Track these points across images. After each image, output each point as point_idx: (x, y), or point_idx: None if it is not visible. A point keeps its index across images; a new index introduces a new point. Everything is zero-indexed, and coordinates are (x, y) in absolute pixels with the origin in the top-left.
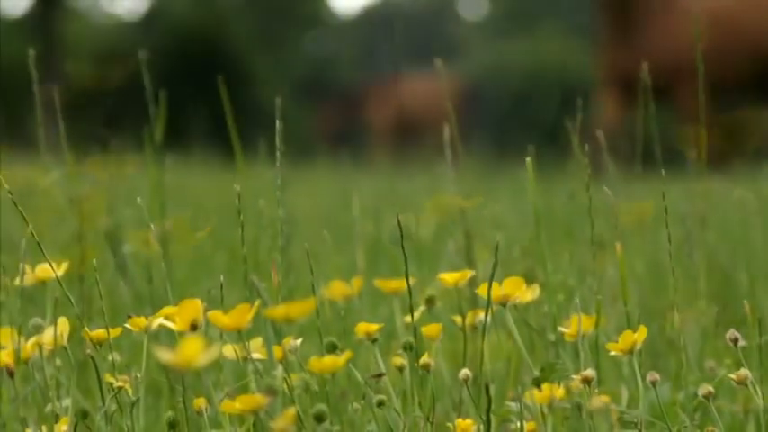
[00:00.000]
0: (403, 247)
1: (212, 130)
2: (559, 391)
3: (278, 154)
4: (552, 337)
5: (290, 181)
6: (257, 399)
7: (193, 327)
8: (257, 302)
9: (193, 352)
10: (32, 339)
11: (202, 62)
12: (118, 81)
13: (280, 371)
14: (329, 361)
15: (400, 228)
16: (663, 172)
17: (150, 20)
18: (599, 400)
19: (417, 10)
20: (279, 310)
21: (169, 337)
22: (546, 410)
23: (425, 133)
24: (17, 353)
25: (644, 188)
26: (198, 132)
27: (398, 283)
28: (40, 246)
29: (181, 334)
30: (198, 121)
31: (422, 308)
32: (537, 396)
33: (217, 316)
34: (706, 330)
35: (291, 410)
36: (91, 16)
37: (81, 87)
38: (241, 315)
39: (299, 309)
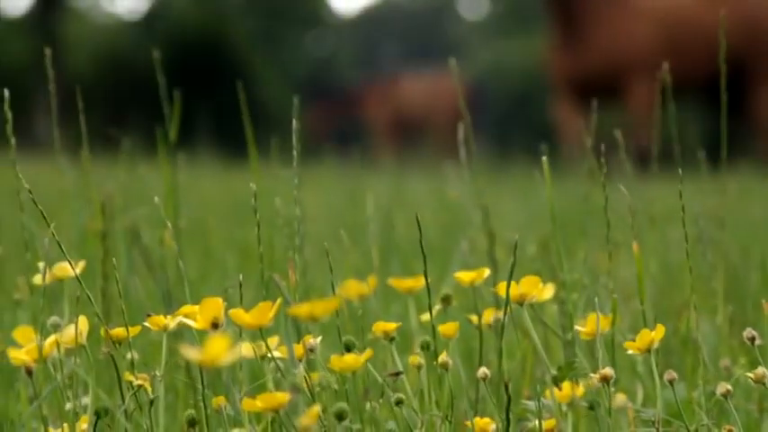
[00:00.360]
0: (422, 246)
1: (214, 129)
2: (580, 390)
3: (295, 153)
4: (569, 335)
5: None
6: (278, 397)
7: (215, 325)
8: (278, 301)
9: (219, 350)
10: (51, 338)
11: (203, 62)
12: (120, 81)
13: (301, 369)
14: (350, 359)
15: (419, 226)
16: (680, 171)
17: (151, 20)
18: (621, 399)
19: (417, 10)
20: (303, 309)
21: (183, 336)
22: (564, 409)
23: (425, 133)
24: (39, 350)
25: (648, 187)
26: (200, 131)
27: (413, 282)
28: (60, 245)
29: (201, 332)
30: (200, 120)
31: (438, 307)
32: (558, 394)
33: (238, 314)
34: (720, 329)
35: (315, 408)
36: (91, 16)
37: (82, 87)
38: (262, 313)
39: (323, 307)
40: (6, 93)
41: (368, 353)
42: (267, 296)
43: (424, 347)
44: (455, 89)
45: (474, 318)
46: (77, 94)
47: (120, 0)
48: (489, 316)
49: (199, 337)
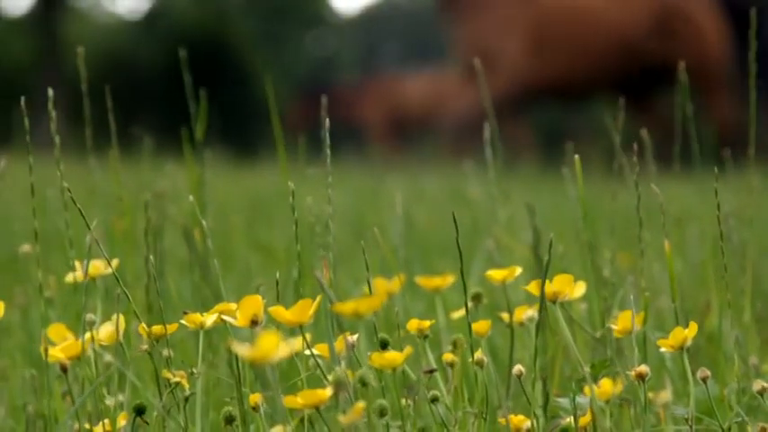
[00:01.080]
0: (458, 244)
1: (215, 128)
2: (619, 387)
3: (327, 152)
4: (598, 333)
5: (306, 179)
6: (319, 394)
7: (254, 322)
8: (318, 298)
9: (270, 346)
10: (86, 335)
11: (204, 61)
12: (121, 80)
13: (343, 366)
14: (392, 356)
15: (455, 225)
16: (716, 169)
17: (152, 19)
18: (664, 396)
19: (417, 10)
20: (348, 306)
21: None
22: (602, 406)
23: (423, 133)
24: (82, 346)
25: (663, 186)
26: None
27: (439, 281)
28: (98, 243)
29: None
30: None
31: (468, 305)
32: (597, 392)
33: (279, 311)
34: (747, 327)
35: (360, 404)
36: (92, 16)
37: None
38: (302, 310)
39: (368, 304)
40: (51, 92)
41: (408, 349)
42: (303, 294)
43: (456, 345)
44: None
45: (505, 316)
46: (106, 94)
47: (120, 0)
48: (520, 314)
49: (231, 333)
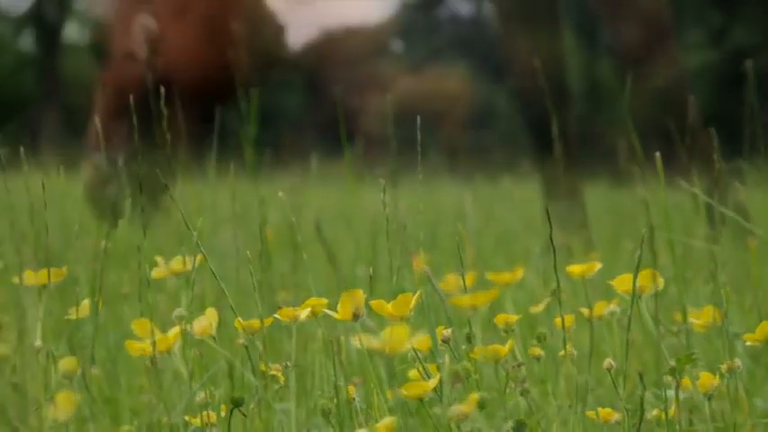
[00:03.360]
0: (551, 239)
1: (227, 131)
2: (716, 380)
3: (419, 148)
4: (674, 328)
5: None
6: (423, 385)
7: (356, 316)
8: (418, 292)
9: (400, 338)
10: (175, 329)
11: None
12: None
13: (446, 359)
14: (495, 348)
15: (549, 221)
16: None
17: None
18: None
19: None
20: (465, 299)
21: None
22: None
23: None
24: (183, 337)
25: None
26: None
27: (510, 276)
28: (199, 245)
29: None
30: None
31: (547, 300)
32: (699, 385)
33: (380, 305)
34: None
35: (474, 395)
36: (92, 15)
37: (82, 88)
38: (404, 304)
39: (484, 298)
40: (162, 89)
41: (510, 342)
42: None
43: (540, 339)
44: (459, 89)
45: (585, 310)
46: (178, 101)
47: None
48: (601, 309)
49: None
